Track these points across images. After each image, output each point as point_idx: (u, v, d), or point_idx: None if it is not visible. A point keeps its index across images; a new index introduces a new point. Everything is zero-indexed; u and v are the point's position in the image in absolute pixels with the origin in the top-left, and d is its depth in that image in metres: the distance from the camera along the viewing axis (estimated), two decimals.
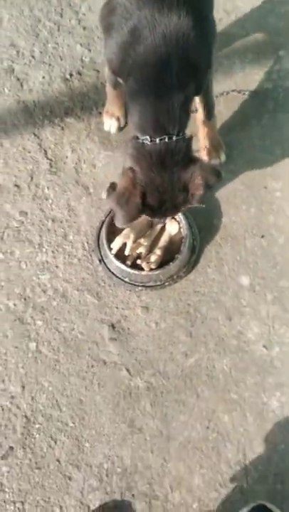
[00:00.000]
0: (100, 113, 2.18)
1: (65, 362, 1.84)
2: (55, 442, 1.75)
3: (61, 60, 2.29)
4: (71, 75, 2.27)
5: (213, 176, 1.60)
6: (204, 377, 1.83)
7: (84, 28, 2.34)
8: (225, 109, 2.21)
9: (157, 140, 1.54)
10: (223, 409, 1.79)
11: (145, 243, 1.92)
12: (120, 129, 2.15)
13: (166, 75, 1.53)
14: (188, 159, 1.59)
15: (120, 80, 1.73)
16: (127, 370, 1.84)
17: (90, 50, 2.30)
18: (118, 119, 2.13)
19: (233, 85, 2.25)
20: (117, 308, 1.92)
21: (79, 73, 2.27)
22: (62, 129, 2.17)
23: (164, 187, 1.57)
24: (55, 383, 1.81)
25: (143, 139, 1.55)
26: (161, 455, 1.74)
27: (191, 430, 1.77)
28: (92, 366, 1.84)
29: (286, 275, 1.96)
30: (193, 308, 1.92)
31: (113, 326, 1.89)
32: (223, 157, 2.11)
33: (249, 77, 2.28)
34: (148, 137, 1.55)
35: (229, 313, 1.91)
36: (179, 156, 1.56)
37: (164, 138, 1.54)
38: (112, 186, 1.61)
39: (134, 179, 1.56)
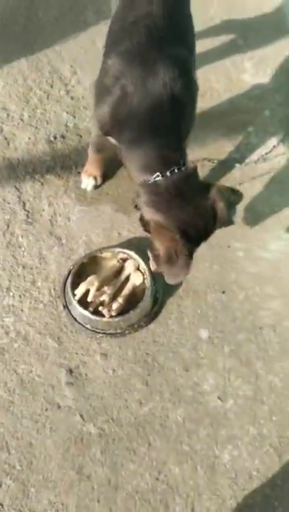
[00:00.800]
0: (79, 173, 2.34)
1: (19, 404, 1.85)
2: (0, 485, 1.72)
3: (47, 124, 2.49)
4: (55, 137, 2.45)
5: (232, 195, 1.68)
6: (157, 427, 1.83)
7: (72, 98, 2.57)
8: None
9: (168, 173, 1.62)
10: (174, 461, 1.77)
11: (109, 291, 1.99)
12: (96, 187, 2.30)
13: (161, 113, 1.67)
14: (203, 186, 1.66)
15: (112, 140, 1.86)
16: (81, 415, 1.84)
17: (74, 117, 2.51)
18: (95, 178, 2.29)
19: (205, 154, 2.43)
20: (76, 353, 1.95)
21: (63, 137, 2.45)
22: (42, 184, 2.32)
23: (195, 219, 1.61)
24: (7, 424, 1.81)
25: (154, 178, 1.63)
26: (108, 505, 1.70)
27: (140, 480, 1.74)
28: (46, 410, 1.84)
29: (244, 329, 2.01)
30: (152, 358, 1.95)
31: (71, 371, 1.92)
32: None
33: (220, 149, 2.46)
34: (159, 173, 1.63)
35: (186, 364, 1.94)
36: (193, 183, 1.63)
37: (174, 169, 1.62)
38: (155, 254, 1.62)
39: (167, 233, 1.58)
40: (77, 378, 1.90)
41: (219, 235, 2.23)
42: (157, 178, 1.62)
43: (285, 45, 2.76)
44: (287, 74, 2.69)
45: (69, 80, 2.62)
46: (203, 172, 2.37)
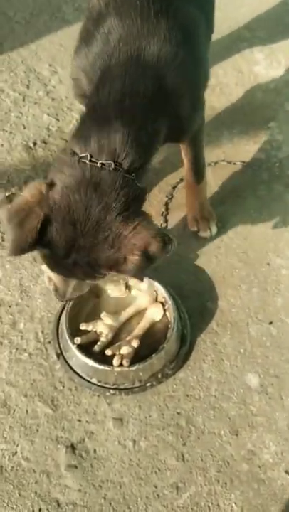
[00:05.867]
0: None
1: None
2: None
3: (24, 128, 2.01)
4: (35, 143, 1.97)
5: (158, 244, 1.10)
6: None
7: (52, 99, 2.10)
8: (214, 180, 1.90)
9: (98, 163, 1.12)
10: None
11: (108, 321, 1.45)
12: None
13: (139, 90, 1.21)
14: (135, 211, 1.14)
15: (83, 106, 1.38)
16: None
17: (58, 120, 2.04)
18: None
19: (222, 155, 1.97)
20: (79, 421, 1.38)
21: (44, 142, 1.97)
22: None
23: (86, 224, 1.09)
24: None
25: (82, 157, 1.13)
26: None
27: None
28: (40, 510, 1.25)
29: None
30: (186, 419, 1.39)
31: (73, 448, 1.34)
32: (214, 229, 1.74)
33: (239, 148, 2.01)
34: (88, 155, 1.13)
35: (235, 425, 1.39)
36: (121, 196, 1.12)
37: (110, 164, 1.12)
38: (10, 197, 1.14)
39: (44, 194, 1.11)
40: (82, 458, 1.32)
41: (254, 251, 1.75)
42: (84, 160, 1.13)
43: None
44: None
45: (48, 80, 2.18)
46: (223, 177, 1.91)
